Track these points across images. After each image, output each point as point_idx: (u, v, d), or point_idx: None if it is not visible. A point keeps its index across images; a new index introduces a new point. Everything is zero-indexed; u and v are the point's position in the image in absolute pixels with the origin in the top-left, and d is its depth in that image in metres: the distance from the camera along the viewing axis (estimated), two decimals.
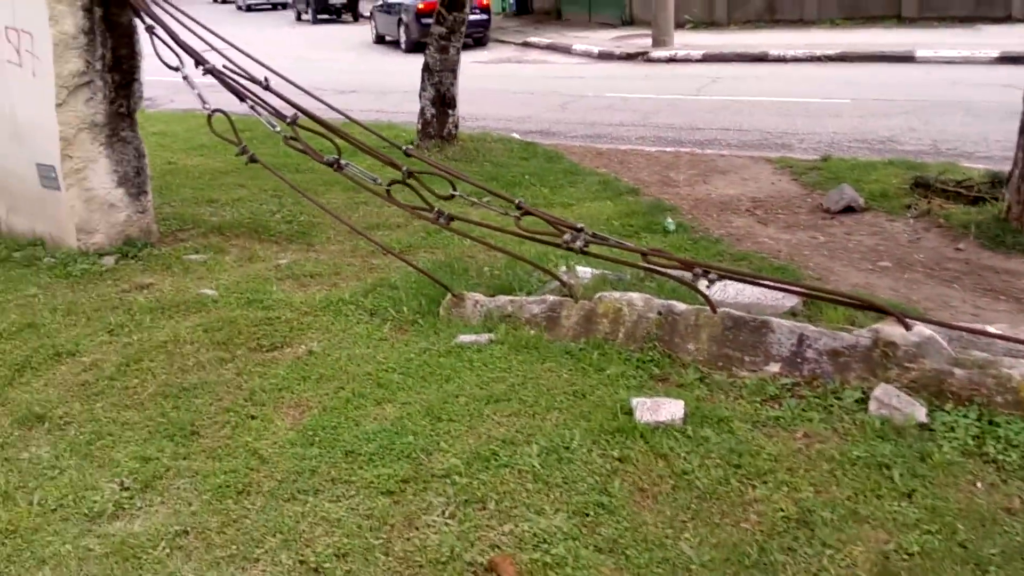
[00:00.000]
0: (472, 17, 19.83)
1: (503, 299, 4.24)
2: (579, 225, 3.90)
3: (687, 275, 3.74)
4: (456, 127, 8.80)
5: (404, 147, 4.69)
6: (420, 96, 8.77)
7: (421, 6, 19.49)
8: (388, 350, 3.94)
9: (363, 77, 16.15)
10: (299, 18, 32.69)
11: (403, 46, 20.40)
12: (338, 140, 4.49)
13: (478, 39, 20.16)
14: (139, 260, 5.40)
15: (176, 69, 4.87)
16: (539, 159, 8.40)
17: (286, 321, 4.33)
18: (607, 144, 9.49)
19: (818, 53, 14.77)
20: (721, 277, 3.57)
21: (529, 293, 4.44)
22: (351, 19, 30.94)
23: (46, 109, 5.16)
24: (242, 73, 4.71)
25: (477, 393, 3.44)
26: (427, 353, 3.85)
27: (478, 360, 3.74)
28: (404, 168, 4.25)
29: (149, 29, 4.90)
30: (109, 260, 5.34)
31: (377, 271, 5.13)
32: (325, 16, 30.91)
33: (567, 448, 3.00)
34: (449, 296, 4.33)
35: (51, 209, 5.48)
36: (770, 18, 19.31)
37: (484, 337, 3.96)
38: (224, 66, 4.80)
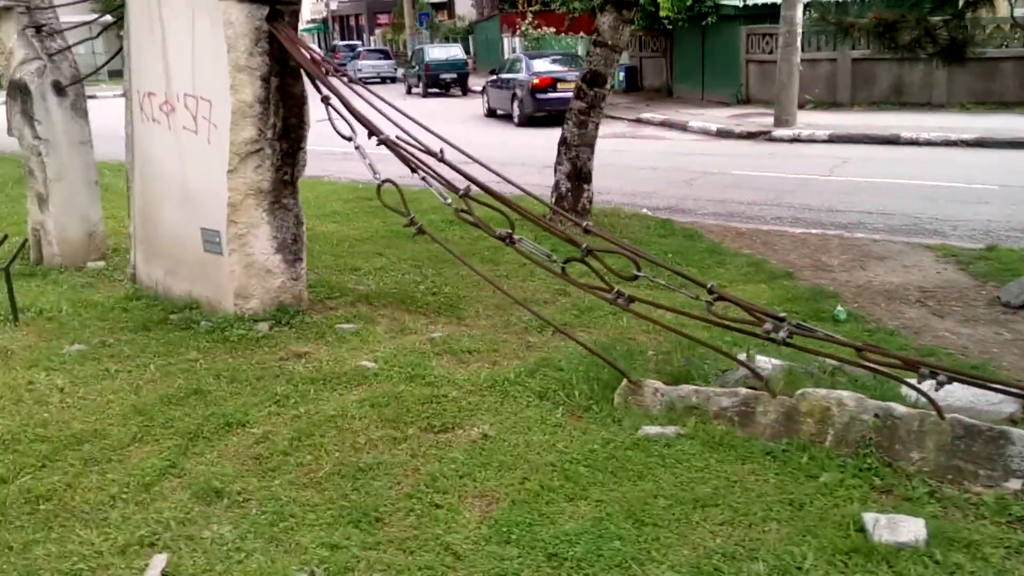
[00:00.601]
0: None
1: (686, 388, 3.97)
2: (781, 314, 3.63)
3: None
4: (590, 202, 8.68)
5: (584, 224, 4.53)
6: (555, 170, 8.70)
7: (536, 82, 19.76)
8: (567, 439, 3.70)
9: (477, 150, 16.24)
10: (409, 91, 33.64)
11: (516, 120, 20.64)
12: (511, 214, 4.37)
13: None
14: (292, 327, 5.35)
15: (349, 139, 4.88)
16: (677, 237, 8.17)
17: (453, 400, 4.16)
18: (742, 223, 9.19)
19: (954, 137, 14.21)
20: (951, 379, 3.23)
21: (707, 382, 4.16)
22: (460, 93, 31.68)
23: (217, 175, 5.23)
24: (417, 145, 4.67)
25: (679, 495, 3.15)
26: (611, 445, 3.59)
27: (670, 456, 3.46)
28: (584, 245, 4.07)
29: (325, 100, 4.93)
30: (263, 326, 5.31)
31: (536, 350, 4.93)
32: (435, 90, 31.74)
33: (800, 568, 2.68)
34: (625, 382, 4.09)
35: (211, 273, 5.51)
36: (896, 100, 18.77)
37: (671, 430, 3.69)
38: (397, 137, 4.79)
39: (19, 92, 6.81)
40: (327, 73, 5.00)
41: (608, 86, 8.53)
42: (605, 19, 8.31)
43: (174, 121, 5.42)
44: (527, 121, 19.96)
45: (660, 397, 3.97)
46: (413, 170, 4.66)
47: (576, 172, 8.54)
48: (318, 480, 3.41)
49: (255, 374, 4.56)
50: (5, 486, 3.38)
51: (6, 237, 5.77)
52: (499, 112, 22.39)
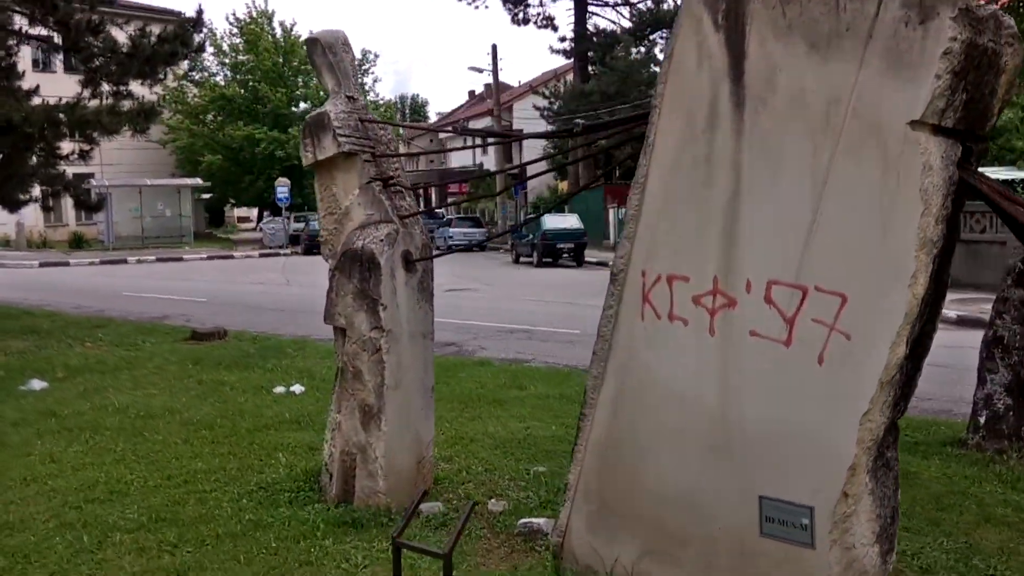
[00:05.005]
0: None
1: None
2: None
3: None
4: None
5: None
6: (983, 379, 6.50)
7: None
8: None
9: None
10: (518, 260, 32.57)
11: None
12: None
13: None
14: None
15: None
16: None
17: None
18: None
19: None
20: None
21: None
22: (574, 264, 30.21)
23: (824, 415, 3.12)
24: None
25: None
26: None
27: None
28: None
29: None
30: None
31: None
32: (548, 259, 30.31)
33: None
34: None
35: (773, 575, 3.29)
36: None
37: None
38: None
39: (358, 266, 4.89)
40: None
41: None
42: None
43: (727, 322, 3.36)
44: None
45: None
46: None
47: (1020, 384, 6.34)
48: None
49: None
50: None
51: (474, 505, 3.65)
52: None
